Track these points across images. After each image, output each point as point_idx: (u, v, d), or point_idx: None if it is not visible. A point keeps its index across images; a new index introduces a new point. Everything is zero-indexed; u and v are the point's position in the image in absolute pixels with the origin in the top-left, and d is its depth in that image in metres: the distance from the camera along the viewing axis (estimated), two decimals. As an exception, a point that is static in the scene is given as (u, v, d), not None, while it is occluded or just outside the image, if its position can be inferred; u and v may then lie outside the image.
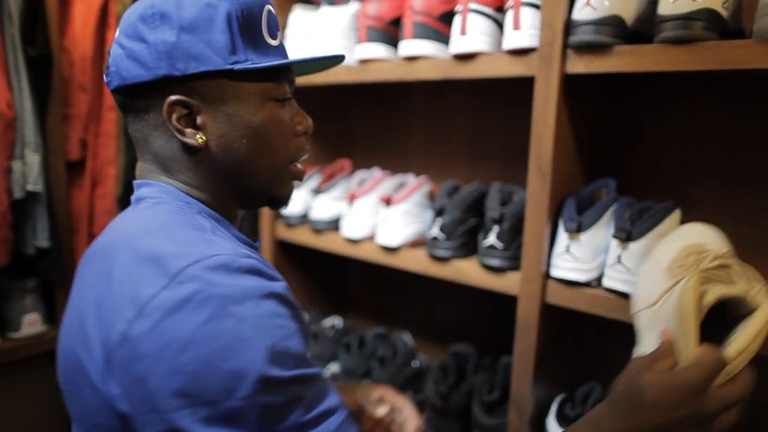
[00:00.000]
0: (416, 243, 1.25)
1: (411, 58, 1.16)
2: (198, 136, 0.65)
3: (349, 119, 1.67)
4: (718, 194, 1.06)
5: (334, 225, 1.38)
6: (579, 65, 0.93)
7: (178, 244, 0.58)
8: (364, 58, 1.23)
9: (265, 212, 1.53)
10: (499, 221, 1.06)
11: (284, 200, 0.76)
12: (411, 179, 1.33)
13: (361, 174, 1.41)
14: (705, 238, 0.75)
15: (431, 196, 1.30)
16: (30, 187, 1.38)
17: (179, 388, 0.52)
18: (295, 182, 0.76)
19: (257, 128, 0.68)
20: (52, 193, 1.47)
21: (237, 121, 0.67)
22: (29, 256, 1.43)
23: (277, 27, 0.71)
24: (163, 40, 0.64)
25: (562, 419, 1.03)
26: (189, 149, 0.66)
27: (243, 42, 0.66)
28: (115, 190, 1.60)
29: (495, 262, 1.06)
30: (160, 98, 0.65)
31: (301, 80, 1.42)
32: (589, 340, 1.19)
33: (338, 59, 0.76)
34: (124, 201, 1.61)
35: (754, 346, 0.63)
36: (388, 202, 1.24)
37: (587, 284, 0.96)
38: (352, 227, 1.30)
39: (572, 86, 0.97)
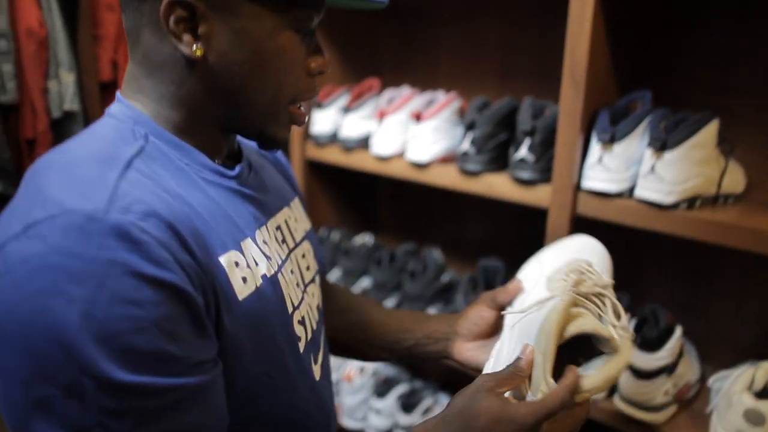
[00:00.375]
0: (446, 159, 1.26)
1: (442, -32, 1.12)
2: (196, 46, 0.55)
3: (376, 37, 1.64)
4: (758, 109, 1.04)
5: (363, 143, 1.39)
6: (619, -31, 0.90)
7: (59, 186, 0.49)
8: (393, -31, 1.20)
9: (295, 131, 1.54)
10: (530, 134, 1.06)
11: (276, 143, 0.65)
12: (441, 96, 1.33)
13: (390, 92, 1.40)
14: (595, 256, 0.72)
15: (461, 113, 1.30)
16: (67, 107, 1.41)
17: None
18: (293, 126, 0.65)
19: (266, 55, 0.58)
20: (88, 113, 1.51)
21: (245, 42, 0.57)
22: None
23: None
24: None
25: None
26: (182, 57, 0.56)
27: None
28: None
29: (526, 174, 1.06)
30: None
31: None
32: (618, 253, 1.21)
33: (379, 4, 0.65)
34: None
35: (599, 390, 0.60)
36: (418, 118, 1.24)
37: (619, 195, 0.97)
38: (382, 144, 1.31)
39: (611, -8, 0.94)
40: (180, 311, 0.49)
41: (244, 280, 0.57)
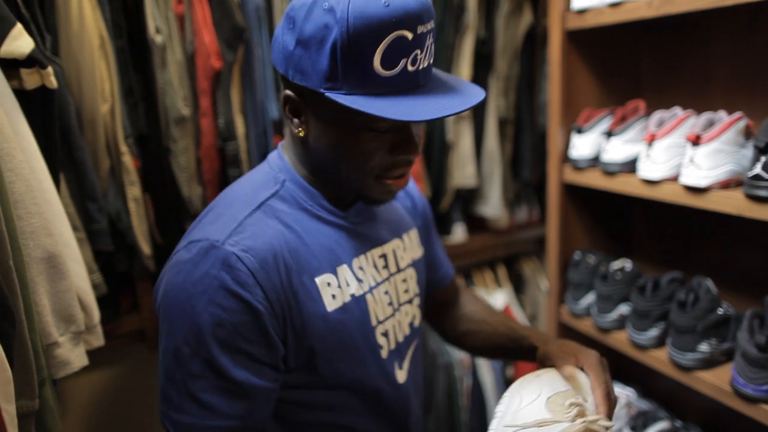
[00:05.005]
0: (727, 183, 1.18)
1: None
2: (299, 128, 0.77)
3: (638, 58, 1.60)
4: None
5: (628, 167, 1.36)
6: None
7: (213, 219, 0.76)
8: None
9: (553, 154, 1.57)
10: None
11: (375, 202, 0.83)
12: (723, 116, 1.24)
13: (659, 114, 1.36)
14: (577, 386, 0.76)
15: (747, 133, 1.20)
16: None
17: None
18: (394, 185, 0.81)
19: (347, 144, 0.74)
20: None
21: (327, 133, 0.75)
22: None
23: (403, 54, 0.67)
24: (285, 45, 0.72)
25: None
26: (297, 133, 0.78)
27: (344, 70, 0.67)
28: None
29: (839, 201, 0.95)
30: (285, 86, 0.76)
31: (588, 21, 1.39)
32: None
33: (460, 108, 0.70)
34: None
35: None
36: (695, 141, 1.18)
37: None
38: (652, 168, 1.27)
39: None
40: (250, 320, 0.71)
41: (333, 297, 0.79)
